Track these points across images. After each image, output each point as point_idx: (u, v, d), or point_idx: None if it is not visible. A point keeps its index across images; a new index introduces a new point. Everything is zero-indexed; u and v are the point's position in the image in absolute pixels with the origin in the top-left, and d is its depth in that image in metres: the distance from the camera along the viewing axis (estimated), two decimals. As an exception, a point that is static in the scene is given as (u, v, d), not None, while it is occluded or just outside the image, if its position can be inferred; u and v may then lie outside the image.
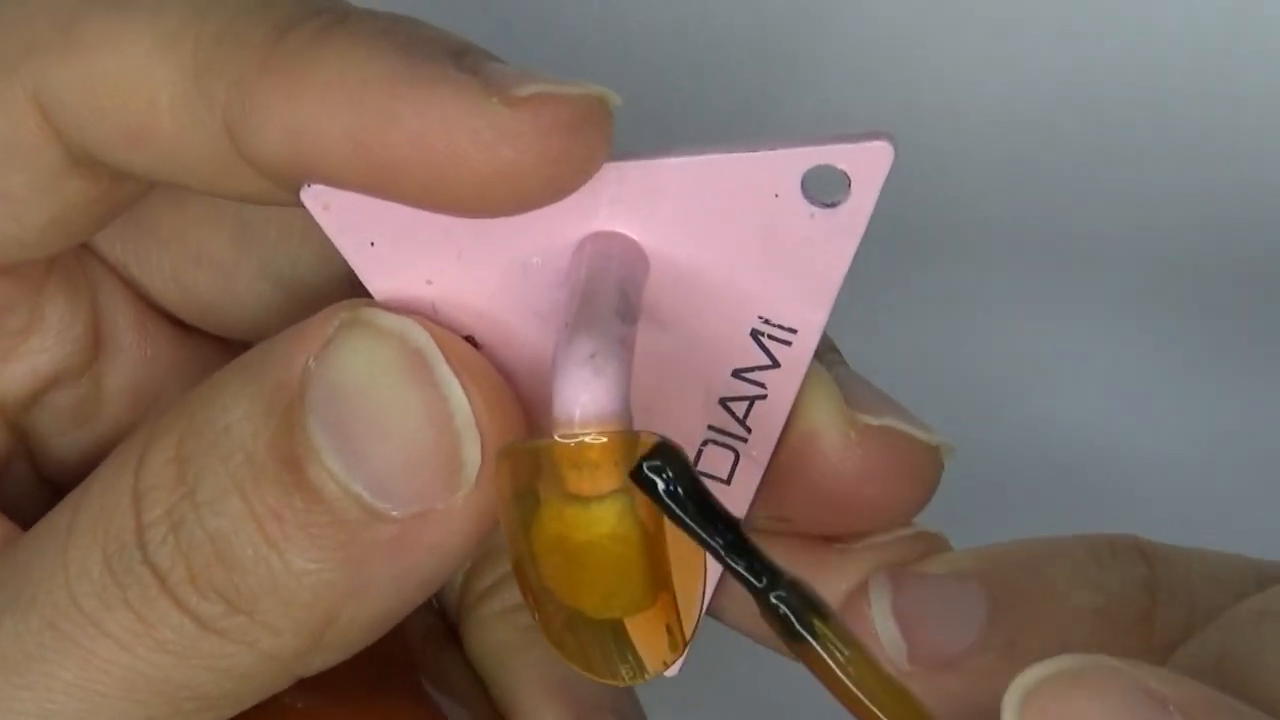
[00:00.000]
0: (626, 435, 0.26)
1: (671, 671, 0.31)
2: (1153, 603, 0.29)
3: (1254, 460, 0.51)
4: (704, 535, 0.26)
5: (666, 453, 0.26)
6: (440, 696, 0.33)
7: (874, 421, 0.30)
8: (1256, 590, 0.29)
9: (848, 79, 0.47)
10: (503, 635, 0.34)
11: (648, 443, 0.26)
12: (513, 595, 0.35)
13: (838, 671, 0.25)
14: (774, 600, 0.26)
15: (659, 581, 0.27)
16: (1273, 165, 0.47)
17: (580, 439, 0.26)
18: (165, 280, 0.33)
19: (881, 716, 0.25)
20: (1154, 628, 0.29)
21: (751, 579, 0.26)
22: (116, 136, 0.28)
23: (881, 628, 0.29)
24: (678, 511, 0.26)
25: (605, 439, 0.26)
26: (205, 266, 0.33)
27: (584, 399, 0.26)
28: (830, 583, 0.30)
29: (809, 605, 0.26)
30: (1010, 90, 0.46)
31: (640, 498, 0.26)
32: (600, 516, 0.26)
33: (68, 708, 0.28)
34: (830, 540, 0.31)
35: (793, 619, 0.25)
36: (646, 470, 0.26)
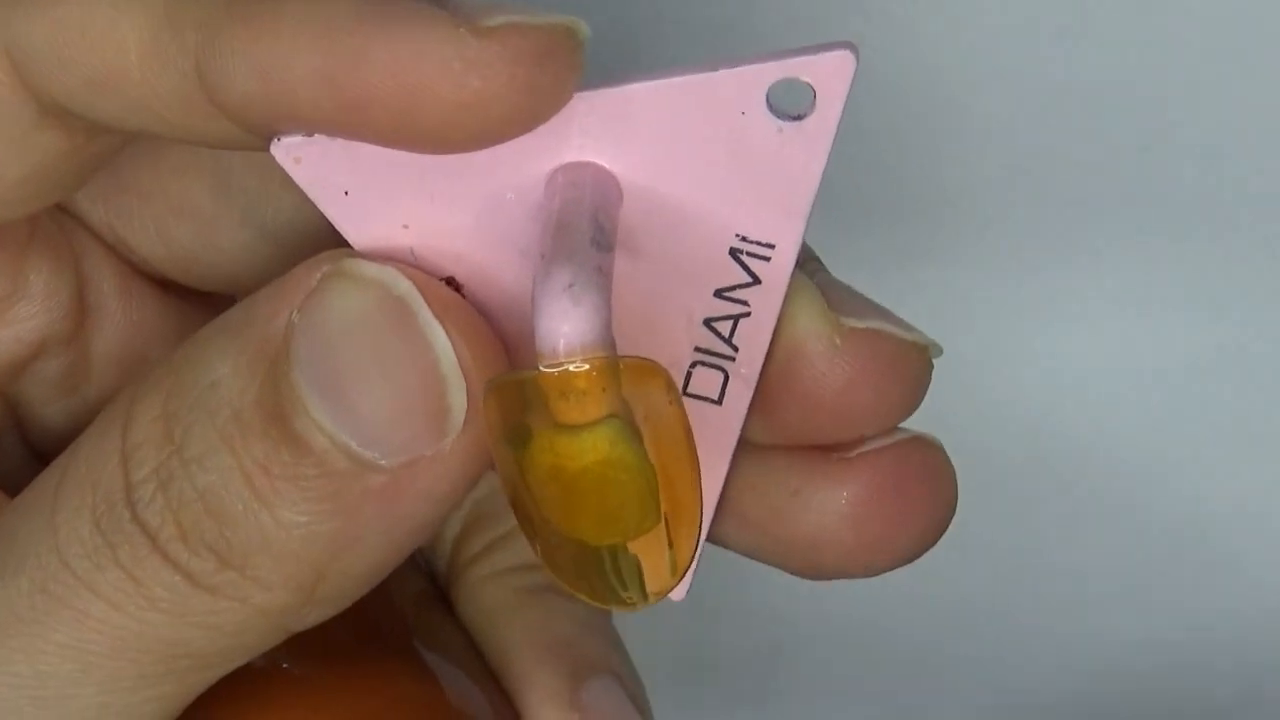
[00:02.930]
0: (611, 360, 0.26)
1: (678, 595, 0.31)
2: None
3: (1252, 459, 0.51)
4: None
5: None
6: (434, 658, 0.33)
7: (859, 324, 0.30)
8: None
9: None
10: (496, 597, 0.35)
11: (632, 364, 0.26)
12: (505, 558, 0.35)
13: None
14: None
15: (656, 505, 0.27)
16: (1274, 162, 0.47)
17: (565, 367, 0.26)
18: (149, 236, 0.33)
19: None
20: None
21: None
22: (86, 85, 0.28)
23: None
24: None
25: (589, 366, 0.26)
26: (187, 217, 0.33)
27: (565, 329, 0.26)
28: (831, 491, 0.30)
29: None
30: (1008, 86, 0.46)
31: (633, 420, 0.26)
32: (592, 444, 0.26)
33: (61, 669, 0.28)
34: (827, 450, 0.31)
35: None
36: None
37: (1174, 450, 0.52)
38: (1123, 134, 0.46)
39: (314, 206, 0.29)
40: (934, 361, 0.30)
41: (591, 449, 0.27)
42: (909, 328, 0.30)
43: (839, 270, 0.31)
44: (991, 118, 0.46)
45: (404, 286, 0.28)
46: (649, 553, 0.28)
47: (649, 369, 0.27)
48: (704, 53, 0.36)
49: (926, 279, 0.49)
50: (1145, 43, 0.45)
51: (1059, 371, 0.51)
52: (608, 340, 0.26)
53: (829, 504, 0.30)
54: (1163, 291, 0.49)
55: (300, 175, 0.28)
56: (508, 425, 0.27)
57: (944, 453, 0.31)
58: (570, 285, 0.26)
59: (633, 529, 0.27)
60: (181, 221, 0.33)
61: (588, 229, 0.27)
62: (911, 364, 0.30)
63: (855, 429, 0.30)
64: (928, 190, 0.46)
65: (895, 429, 0.31)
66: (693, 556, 0.28)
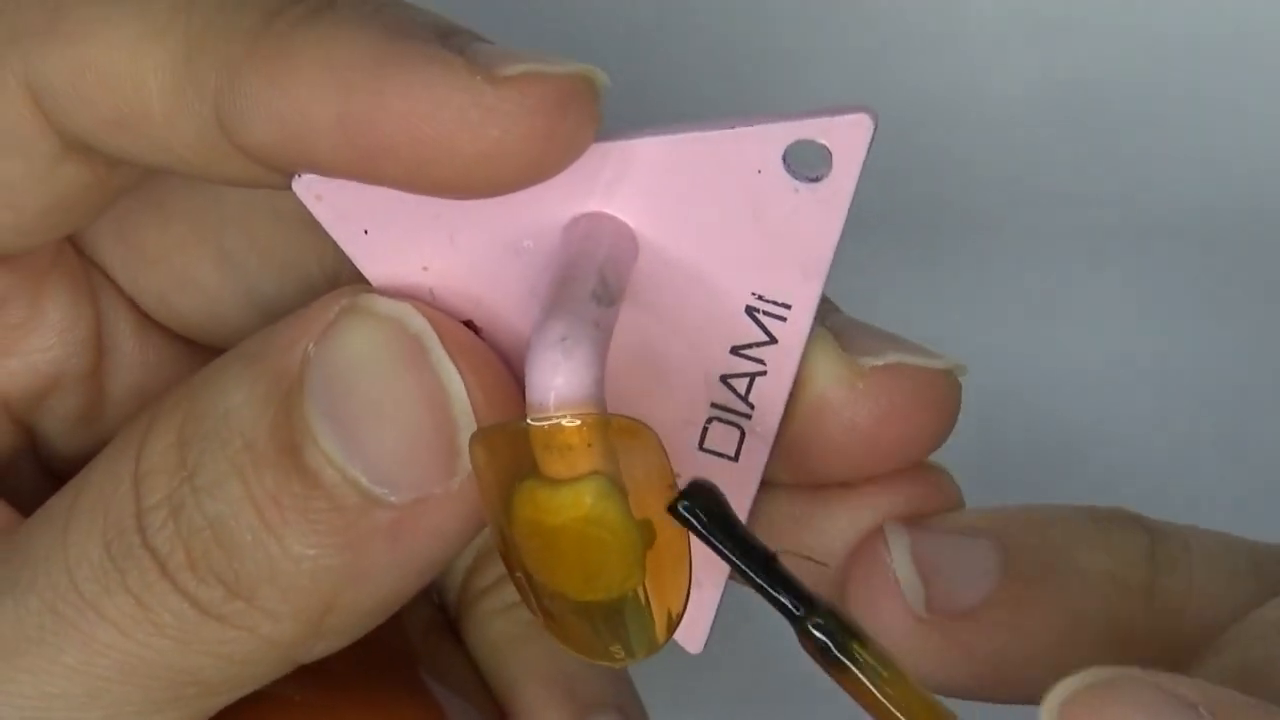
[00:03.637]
0: (600, 417, 0.26)
1: (695, 648, 0.31)
2: (1154, 569, 0.29)
3: (1255, 458, 0.51)
4: (743, 566, 0.26)
5: (702, 489, 0.26)
6: (440, 689, 0.33)
7: (878, 362, 0.29)
8: (1249, 569, 0.30)
9: (843, 67, 0.47)
10: (504, 630, 0.35)
11: (621, 423, 0.26)
12: (515, 592, 0.35)
13: (878, 695, 0.26)
14: (812, 629, 0.26)
15: (639, 563, 0.27)
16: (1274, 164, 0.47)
17: (555, 421, 0.26)
18: (156, 300, 0.33)
19: None
20: (1156, 593, 0.29)
21: (790, 607, 0.26)
22: (107, 123, 0.28)
23: (902, 572, 0.29)
24: (717, 544, 0.26)
25: (579, 421, 0.26)
26: (191, 292, 0.33)
27: (557, 382, 0.26)
28: (839, 523, 0.30)
29: (847, 631, 0.26)
30: (1009, 89, 0.46)
31: (618, 479, 0.26)
32: (573, 499, 0.26)
33: (68, 691, 0.28)
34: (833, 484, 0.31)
35: (832, 647, 0.26)
36: (683, 508, 0.26)
37: (1173, 451, 0.51)
38: (1123, 136, 0.46)
39: (316, 287, 0.29)
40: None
41: (572, 504, 0.26)
42: (929, 354, 0.30)
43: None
44: (992, 120, 0.46)
45: (419, 324, 0.28)
46: (637, 610, 0.27)
47: (637, 428, 0.26)
48: (723, 99, 0.36)
49: (927, 280, 0.48)
50: (1147, 48, 0.45)
51: (1059, 372, 0.50)
52: (597, 396, 0.26)
53: (833, 528, 0.30)
54: (1163, 293, 0.49)
55: (321, 212, 0.29)
56: (496, 473, 0.27)
57: (950, 477, 0.31)
58: (563, 338, 0.26)
59: (615, 586, 0.27)
60: (185, 294, 0.33)
61: (590, 282, 0.27)
62: (937, 390, 0.30)
63: (891, 464, 0.30)
64: (928, 192, 0.46)
65: None
66: (681, 614, 0.28)
